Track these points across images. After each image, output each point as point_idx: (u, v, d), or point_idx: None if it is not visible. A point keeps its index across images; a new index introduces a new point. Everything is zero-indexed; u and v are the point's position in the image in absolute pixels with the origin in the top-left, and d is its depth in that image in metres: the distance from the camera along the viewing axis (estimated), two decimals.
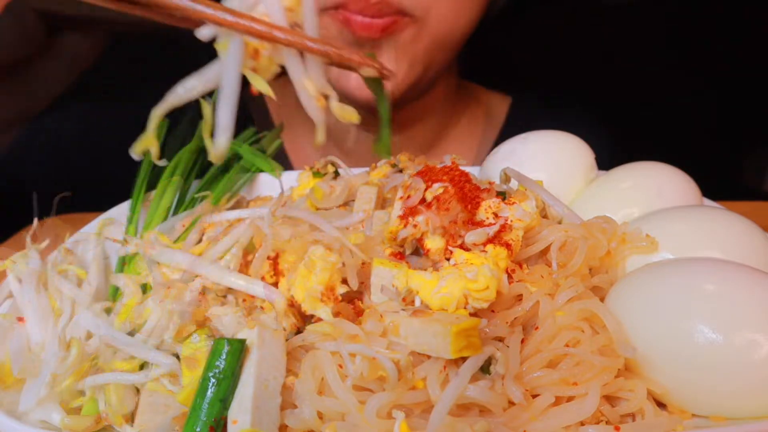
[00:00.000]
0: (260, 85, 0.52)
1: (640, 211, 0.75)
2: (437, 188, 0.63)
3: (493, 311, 0.59)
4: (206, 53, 0.60)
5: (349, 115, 0.57)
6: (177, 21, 0.53)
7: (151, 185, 0.90)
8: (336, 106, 0.56)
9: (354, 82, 1.05)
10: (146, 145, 0.56)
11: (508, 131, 1.20)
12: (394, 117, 1.24)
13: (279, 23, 0.51)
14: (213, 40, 0.53)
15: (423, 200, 0.64)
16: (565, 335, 0.57)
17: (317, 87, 0.54)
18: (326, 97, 0.55)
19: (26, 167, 1.27)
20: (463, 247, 0.62)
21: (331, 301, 0.59)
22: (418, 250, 0.66)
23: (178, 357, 0.60)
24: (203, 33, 0.52)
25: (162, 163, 0.62)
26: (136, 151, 0.58)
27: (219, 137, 0.51)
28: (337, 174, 0.94)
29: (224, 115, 0.50)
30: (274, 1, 0.51)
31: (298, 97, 0.55)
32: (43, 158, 1.26)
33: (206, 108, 0.52)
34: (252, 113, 1.31)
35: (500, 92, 1.51)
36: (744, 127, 1.98)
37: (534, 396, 0.54)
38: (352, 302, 0.62)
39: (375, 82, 0.59)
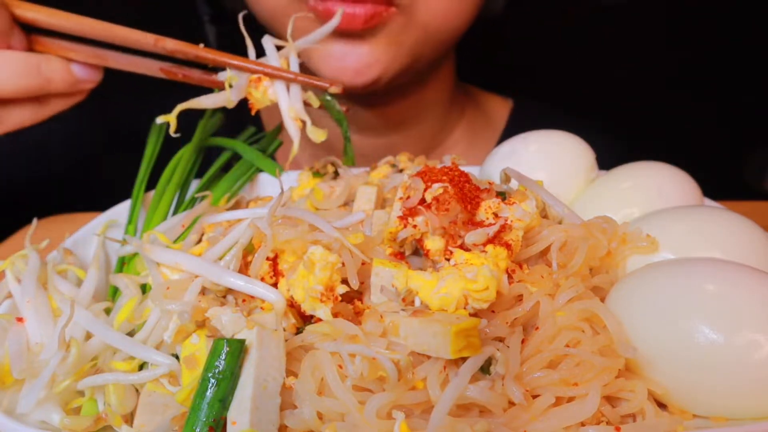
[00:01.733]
0: (260, 101, 0.77)
1: (641, 211, 0.75)
2: (437, 189, 0.63)
3: (493, 311, 0.59)
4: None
5: (320, 135, 0.76)
6: (198, 79, 0.81)
7: (151, 185, 0.90)
8: (310, 128, 0.75)
9: (350, 72, 1.05)
10: (167, 119, 0.74)
11: (510, 135, 1.19)
12: (386, 111, 1.24)
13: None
14: None
15: (422, 201, 0.64)
16: (565, 335, 0.57)
17: (296, 112, 0.75)
18: (303, 122, 0.76)
19: (25, 167, 1.27)
20: (463, 247, 0.62)
21: (330, 301, 0.59)
22: (418, 251, 0.65)
23: (177, 357, 0.60)
24: (223, 75, 0.77)
25: (175, 135, 0.77)
26: (158, 120, 0.75)
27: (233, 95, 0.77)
28: (336, 174, 0.94)
29: (236, 94, 0.77)
30: (274, 58, 0.78)
31: (283, 120, 0.76)
32: (43, 158, 1.26)
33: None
34: (243, 117, 1.31)
35: (501, 95, 1.50)
36: (744, 127, 1.98)
37: (534, 396, 0.54)
38: (351, 302, 0.62)
39: (333, 106, 0.82)
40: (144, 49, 0.79)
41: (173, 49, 0.77)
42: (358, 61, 1.04)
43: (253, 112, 0.78)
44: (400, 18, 1.03)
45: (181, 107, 0.75)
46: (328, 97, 0.79)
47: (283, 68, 0.76)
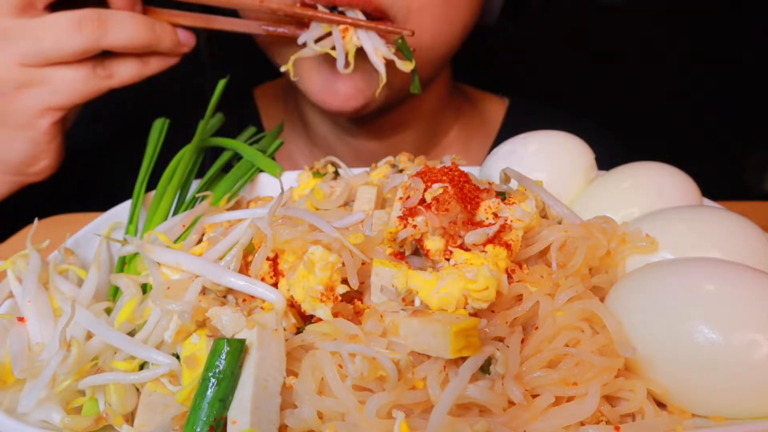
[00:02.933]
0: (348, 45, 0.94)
1: (640, 211, 0.75)
2: (436, 189, 0.63)
3: (493, 311, 0.59)
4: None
5: (408, 65, 0.92)
6: (291, 34, 0.97)
7: (151, 185, 0.90)
8: (399, 63, 0.92)
9: (340, 98, 1.06)
10: (287, 67, 0.97)
11: (506, 134, 1.19)
12: (381, 119, 1.24)
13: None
14: None
15: (422, 201, 0.64)
16: (565, 335, 0.57)
17: (381, 52, 0.93)
18: (388, 60, 0.92)
19: None
20: (463, 247, 0.62)
21: (330, 301, 0.59)
22: (418, 251, 0.66)
23: (178, 357, 0.60)
24: (315, 28, 0.95)
25: (296, 79, 0.99)
26: (282, 69, 0.98)
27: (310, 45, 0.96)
28: (336, 174, 0.94)
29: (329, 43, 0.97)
30: (352, 14, 0.95)
31: (369, 58, 0.93)
32: None
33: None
34: (244, 118, 1.31)
35: (497, 95, 1.50)
36: (744, 127, 1.98)
37: (534, 396, 0.54)
38: (351, 302, 0.62)
39: (405, 46, 0.94)
40: (250, 9, 0.96)
41: (276, 8, 0.94)
42: (347, 89, 1.05)
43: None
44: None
45: (295, 57, 0.94)
46: (400, 40, 0.93)
47: (362, 20, 0.92)
